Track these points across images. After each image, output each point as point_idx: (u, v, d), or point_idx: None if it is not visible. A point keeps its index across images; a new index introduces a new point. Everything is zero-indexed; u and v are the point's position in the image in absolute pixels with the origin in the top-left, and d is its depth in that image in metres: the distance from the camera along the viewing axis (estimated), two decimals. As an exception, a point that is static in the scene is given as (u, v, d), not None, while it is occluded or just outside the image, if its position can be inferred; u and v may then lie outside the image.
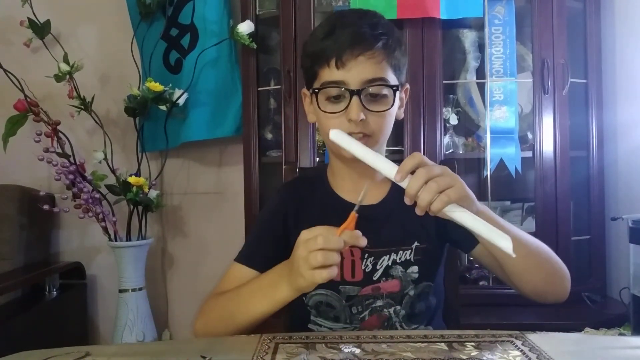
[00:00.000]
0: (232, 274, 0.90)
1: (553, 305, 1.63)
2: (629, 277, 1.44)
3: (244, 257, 0.91)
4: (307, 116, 0.93)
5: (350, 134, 0.82)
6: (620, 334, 1.44)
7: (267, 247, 0.92)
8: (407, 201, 0.70)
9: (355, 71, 0.81)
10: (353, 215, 0.69)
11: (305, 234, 0.70)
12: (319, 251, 0.66)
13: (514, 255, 0.67)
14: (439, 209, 0.68)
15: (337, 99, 0.83)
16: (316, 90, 0.84)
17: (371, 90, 0.82)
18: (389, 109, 0.84)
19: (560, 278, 0.85)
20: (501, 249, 0.67)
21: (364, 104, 0.81)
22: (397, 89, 0.84)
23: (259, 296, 0.78)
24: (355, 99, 0.81)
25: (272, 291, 0.76)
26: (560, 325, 1.51)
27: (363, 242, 0.68)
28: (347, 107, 0.81)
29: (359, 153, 0.74)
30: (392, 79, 0.84)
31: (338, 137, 0.78)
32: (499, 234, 0.67)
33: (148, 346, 1.09)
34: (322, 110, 0.84)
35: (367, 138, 0.84)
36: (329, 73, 0.82)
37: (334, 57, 0.81)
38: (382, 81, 0.82)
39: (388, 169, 0.72)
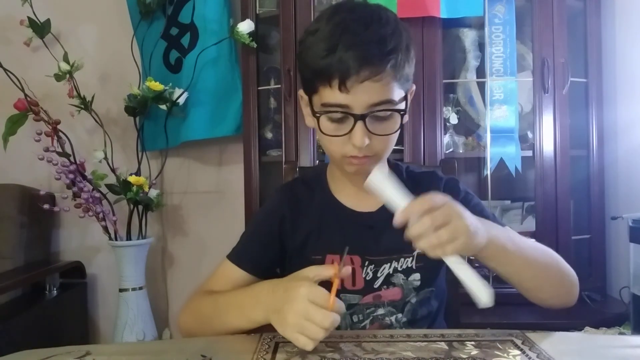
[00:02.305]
0: (222, 271, 0.90)
1: (553, 304, 1.64)
2: (629, 276, 1.44)
3: (235, 256, 0.90)
4: (305, 119, 0.87)
5: (352, 156, 0.79)
6: (620, 333, 1.44)
7: (259, 249, 0.91)
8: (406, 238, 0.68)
9: (361, 96, 0.74)
10: (336, 281, 0.68)
11: (311, 292, 0.66)
12: (321, 330, 0.65)
13: (489, 306, 0.65)
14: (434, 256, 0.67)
15: (340, 120, 0.77)
16: (317, 115, 0.78)
17: (377, 113, 0.77)
18: (395, 132, 0.80)
19: (569, 287, 0.84)
20: (478, 303, 0.66)
21: (368, 128, 0.76)
22: (405, 113, 0.79)
23: (235, 312, 0.78)
24: (359, 124, 0.75)
25: (248, 311, 0.76)
26: (561, 324, 1.50)
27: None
28: (350, 130, 0.76)
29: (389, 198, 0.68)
30: (399, 94, 0.78)
31: (376, 181, 0.70)
32: (479, 289, 0.66)
33: (148, 345, 1.09)
34: (324, 134, 0.79)
35: (369, 158, 0.80)
36: (332, 94, 0.75)
37: (337, 79, 0.74)
38: (389, 103, 0.76)
39: (398, 206, 0.67)
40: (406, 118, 0.86)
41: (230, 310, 0.78)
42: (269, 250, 0.91)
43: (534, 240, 0.87)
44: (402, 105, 0.79)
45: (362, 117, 0.76)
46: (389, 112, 0.77)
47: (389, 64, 0.74)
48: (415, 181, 0.93)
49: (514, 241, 0.77)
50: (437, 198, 0.66)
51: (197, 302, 0.86)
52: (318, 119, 0.79)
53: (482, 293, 0.65)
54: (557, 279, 0.82)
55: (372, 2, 0.85)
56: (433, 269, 0.91)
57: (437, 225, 0.65)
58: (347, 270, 0.70)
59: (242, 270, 0.88)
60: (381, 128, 0.78)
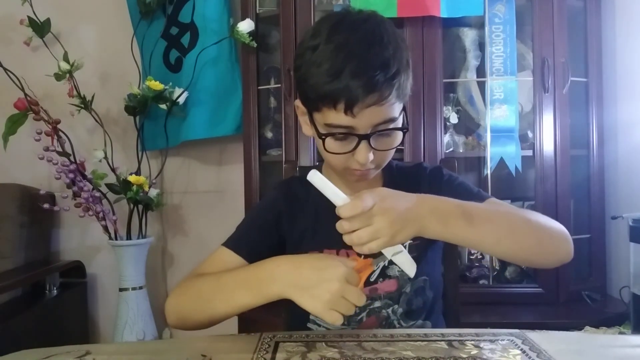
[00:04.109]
0: (217, 257, 0.89)
1: (553, 304, 1.65)
2: (629, 276, 1.44)
3: (232, 243, 0.90)
4: (302, 127, 0.89)
5: (355, 170, 0.82)
6: (620, 333, 1.44)
7: (257, 237, 0.91)
8: None
9: (366, 118, 0.76)
10: (370, 268, 0.73)
11: (348, 273, 0.69)
12: (353, 306, 0.69)
13: (411, 276, 0.73)
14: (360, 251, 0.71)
15: (344, 138, 0.79)
16: (323, 137, 0.80)
17: (380, 131, 0.79)
18: (397, 146, 0.83)
19: (554, 245, 0.81)
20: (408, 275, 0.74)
21: (372, 145, 0.78)
22: (407, 130, 0.82)
23: (243, 289, 0.75)
24: (363, 143, 0.78)
25: (260, 287, 0.74)
26: (561, 323, 1.51)
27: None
28: (354, 148, 0.78)
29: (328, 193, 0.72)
30: (399, 108, 0.80)
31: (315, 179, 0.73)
32: (406, 264, 0.73)
33: (148, 345, 1.09)
34: (329, 152, 0.81)
35: (370, 169, 0.83)
36: (336, 116, 0.77)
37: (343, 104, 0.75)
38: (392, 121, 0.79)
39: (338, 202, 0.71)
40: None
41: (238, 287, 0.76)
42: (267, 241, 0.91)
43: (507, 207, 0.85)
44: (401, 118, 0.81)
45: (366, 137, 0.77)
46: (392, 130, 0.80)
47: (393, 87, 0.76)
48: (405, 174, 0.96)
49: (467, 216, 0.75)
50: (367, 201, 0.68)
51: (193, 283, 0.84)
52: (323, 140, 0.80)
53: (408, 268, 0.73)
54: (531, 241, 0.79)
55: (362, 5, 0.84)
56: (426, 258, 0.92)
57: (354, 229, 0.68)
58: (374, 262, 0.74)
59: (239, 257, 0.87)
60: (384, 144, 0.81)
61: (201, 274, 0.85)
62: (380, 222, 0.68)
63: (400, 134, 0.82)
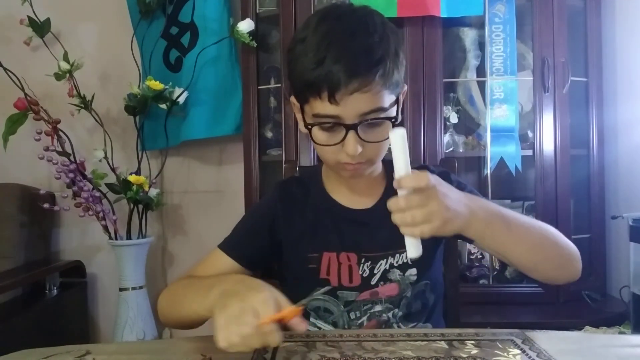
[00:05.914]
0: (212, 259, 0.91)
1: (553, 303, 1.65)
2: (629, 276, 1.44)
3: (225, 245, 0.91)
4: (299, 125, 0.88)
5: (346, 163, 0.80)
6: (620, 333, 1.44)
7: (248, 242, 0.92)
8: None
9: (351, 106, 0.75)
10: (292, 310, 0.64)
11: (265, 301, 0.63)
12: (238, 336, 0.61)
13: (414, 256, 0.69)
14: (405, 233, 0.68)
15: (332, 129, 0.78)
16: (309, 127, 0.80)
17: (368, 121, 0.77)
18: (387, 138, 0.80)
19: (569, 261, 0.82)
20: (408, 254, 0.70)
21: (360, 136, 0.77)
22: (396, 120, 0.80)
23: (200, 298, 0.73)
24: (351, 133, 0.76)
25: (208, 300, 0.70)
26: (561, 323, 1.51)
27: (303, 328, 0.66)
28: (343, 139, 0.77)
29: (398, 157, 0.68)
30: (389, 99, 0.78)
31: (396, 138, 0.68)
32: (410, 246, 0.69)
33: (148, 344, 1.09)
34: (317, 143, 0.80)
35: (362, 164, 0.81)
36: (322, 106, 0.76)
37: (326, 91, 0.74)
38: (380, 111, 0.77)
39: (402, 171, 0.67)
40: (399, 118, 0.86)
41: (198, 295, 0.75)
42: (257, 244, 0.92)
43: (529, 217, 0.86)
44: (393, 110, 0.80)
45: (354, 127, 0.76)
46: (380, 120, 0.78)
47: (377, 74, 0.74)
48: None
49: (506, 220, 0.75)
50: (429, 180, 0.66)
51: (176, 284, 0.87)
52: (310, 129, 0.80)
53: (411, 249, 0.69)
54: (553, 255, 0.81)
55: (361, 3, 0.84)
56: (428, 262, 0.91)
57: (411, 207, 0.66)
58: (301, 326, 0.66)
59: (230, 259, 0.89)
60: (373, 135, 0.79)
61: (191, 275, 0.88)
62: (437, 205, 0.66)
63: (389, 127, 0.79)
